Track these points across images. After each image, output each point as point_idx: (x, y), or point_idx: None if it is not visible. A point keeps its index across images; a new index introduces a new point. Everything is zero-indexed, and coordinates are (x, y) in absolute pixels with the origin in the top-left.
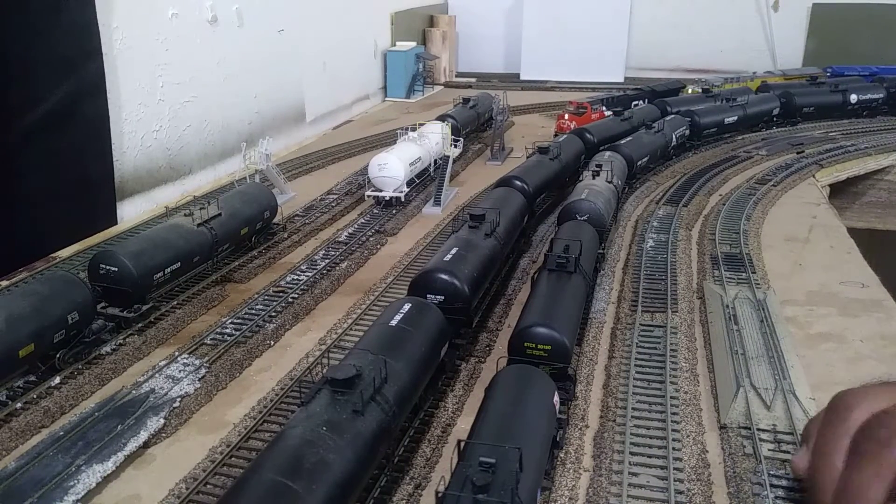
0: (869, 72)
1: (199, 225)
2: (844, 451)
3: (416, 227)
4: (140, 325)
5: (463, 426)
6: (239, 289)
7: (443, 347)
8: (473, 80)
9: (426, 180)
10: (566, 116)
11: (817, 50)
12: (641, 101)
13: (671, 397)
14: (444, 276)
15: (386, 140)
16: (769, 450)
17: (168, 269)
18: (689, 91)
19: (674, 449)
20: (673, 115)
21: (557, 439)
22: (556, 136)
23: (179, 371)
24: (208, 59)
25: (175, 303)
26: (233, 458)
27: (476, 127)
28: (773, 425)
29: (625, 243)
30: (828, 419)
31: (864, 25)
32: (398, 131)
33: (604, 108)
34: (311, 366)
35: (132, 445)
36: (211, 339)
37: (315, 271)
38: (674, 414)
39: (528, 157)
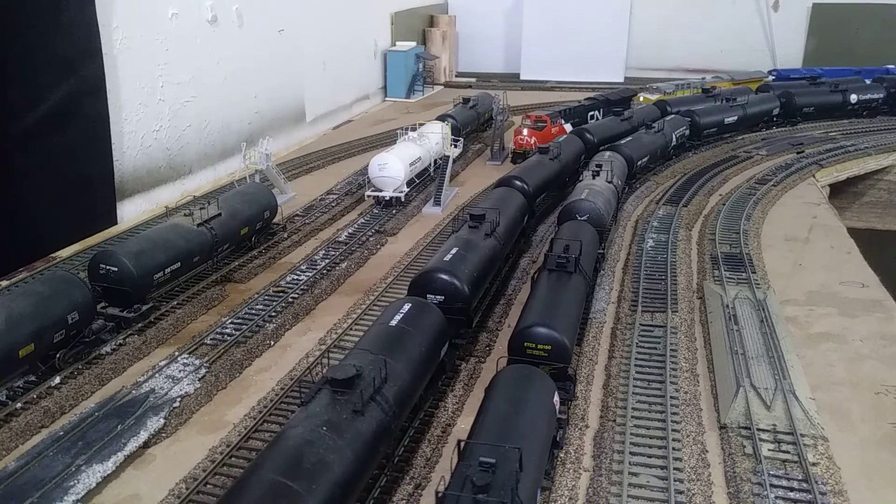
0: (815, 74)
1: (199, 225)
2: None
3: (416, 227)
4: (140, 325)
5: (463, 426)
6: (239, 289)
7: (443, 347)
8: (473, 80)
9: (426, 180)
10: (524, 132)
11: (817, 50)
12: (597, 112)
13: (671, 397)
14: (444, 276)
15: (386, 140)
16: (769, 450)
17: (168, 269)
18: (641, 99)
19: (674, 449)
20: (673, 115)
21: (557, 439)
22: (513, 152)
23: (179, 371)
24: (208, 59)
25: (175, 303)
26: (233, 458)
27: (476, 127)
28: (774, 425)
29: (625, 243)
30: None
31: (864, 25)
32: (398, 131)
33: (562, 121)
34: (311, 366)
35: (132, 445)
36: (211, 339)
37: (315, 271)
38: (674, 414)
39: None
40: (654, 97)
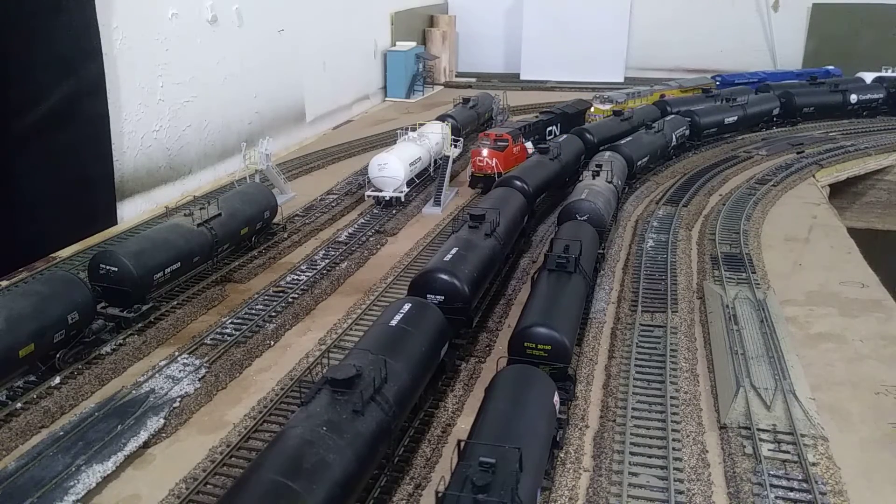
0: (758, 78)
1: (199, 225)
2: None
3: (416, 227)
4: (140, 325)
5: (463, 426)
6: (239, 289)
7: (443, 347)
8: (473, 80)
9: (426, 180)
10: (484, 153)
11: (817, 50)
12: (555, 126)
13: (671, 397)
14: (444, 276)
15: (386, 140)
16: (769, 450)
17: (168, 269)
18: (592, 110)
19: (674, 449)
20: (673, 115)
21: (557, 439)
22: (472, 176)
23: (179, 371)
24: (208, 59)
25: (175, 303)
26: (233, 458)
27: (476, 127)
28: (773, 425)
29: (625, 243)
30: None
31: (865, 25)
32: (398, 131)
33: (522, 139)
34: (311, 366)
35: (132, 445)
36: (211, 339)
37: (315, 271)
38: (674, 414)
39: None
40: (606, 107)
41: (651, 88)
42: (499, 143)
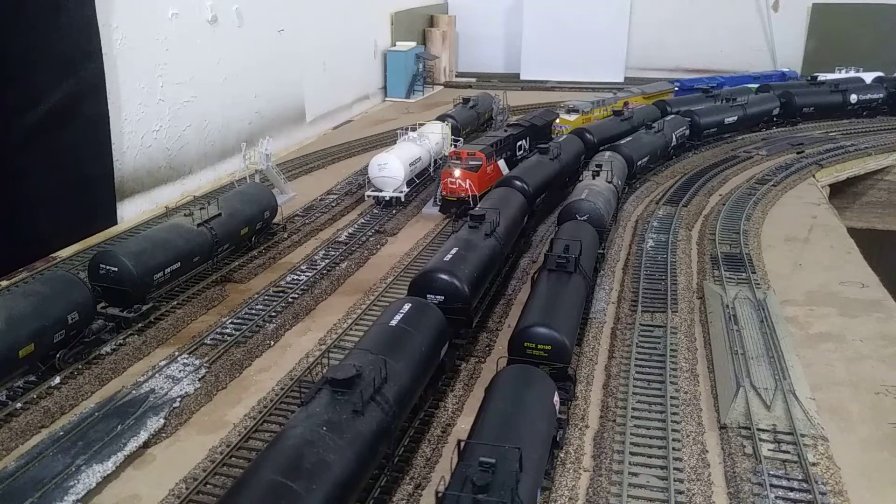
0: (717, 82)
1: (199, 225)
2: None
3: (416, 227)
4: (140, 325)
5: (463, 426)
6: (239, 289)
7: (443, 347)
8: (473, 80)
9: (426, 180)
10: (456, 173)
11: (817, 50)
12: (524, 140)
13: (671, 397)
14: (444, 276)
15: (386, 140)
16: (769, 450)
17: (168, 269)
18: (558, 121)
19: (674, 449)
20: (673, 115)
21: (557, 439)
22: (444, 200)
23: (179, 371)
24: (208, 59)
25: (175, 303)
26: (233, 458)
27: (476, 127)
28: (773, 425)
29: (625, 243)
30: None
31: (864, 26)
32: (398, 131)
33: (495, 157)
34: (311, 366)
35: (132, 445)
36: (211, 339)
37: (315, 271)
38: (674, 414)
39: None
40: (572, 118)
41: (615, 96)
42: (471, 163)
